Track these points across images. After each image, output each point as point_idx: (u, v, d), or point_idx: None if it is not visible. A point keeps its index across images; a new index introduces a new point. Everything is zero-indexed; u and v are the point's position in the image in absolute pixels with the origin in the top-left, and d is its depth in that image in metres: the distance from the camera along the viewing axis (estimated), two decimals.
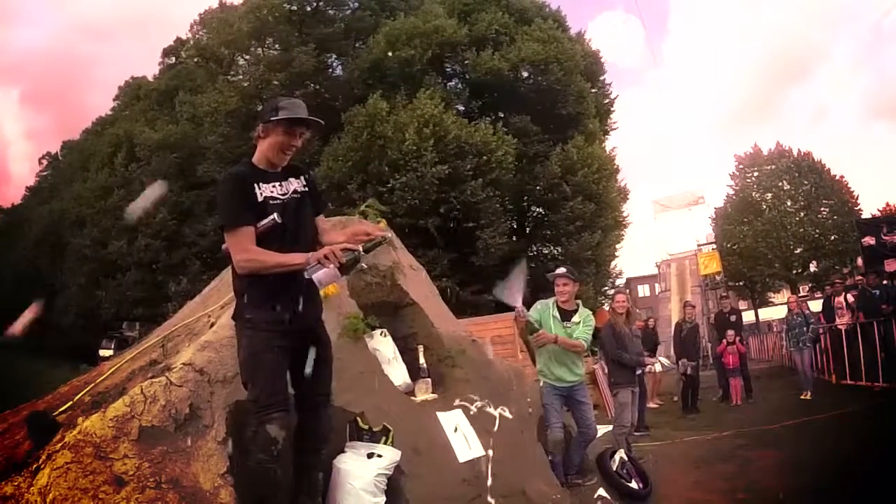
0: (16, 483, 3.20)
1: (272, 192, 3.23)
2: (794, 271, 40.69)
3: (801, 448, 7.29)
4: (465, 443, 4.73)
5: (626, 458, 5.94)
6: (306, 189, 3.36)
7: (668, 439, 8.96)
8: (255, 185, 3.20)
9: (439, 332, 5.37)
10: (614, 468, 5.76)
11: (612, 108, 32.18)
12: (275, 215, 3.14)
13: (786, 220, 40.20)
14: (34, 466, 3.22)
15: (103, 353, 16.86)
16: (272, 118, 3.22)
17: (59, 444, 3.23)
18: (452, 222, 23.83)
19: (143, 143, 27.99)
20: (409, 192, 22.00)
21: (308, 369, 3.31)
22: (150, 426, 3.41)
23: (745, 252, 39.80)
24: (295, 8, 28.84)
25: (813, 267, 40.35)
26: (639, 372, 7.85)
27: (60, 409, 3.99)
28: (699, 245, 37.44)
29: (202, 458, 3.46)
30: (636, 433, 8.28)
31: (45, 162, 37.91)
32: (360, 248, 3.03)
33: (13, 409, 4.45)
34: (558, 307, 5.67)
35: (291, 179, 3.32)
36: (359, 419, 3.91)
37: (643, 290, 51.45)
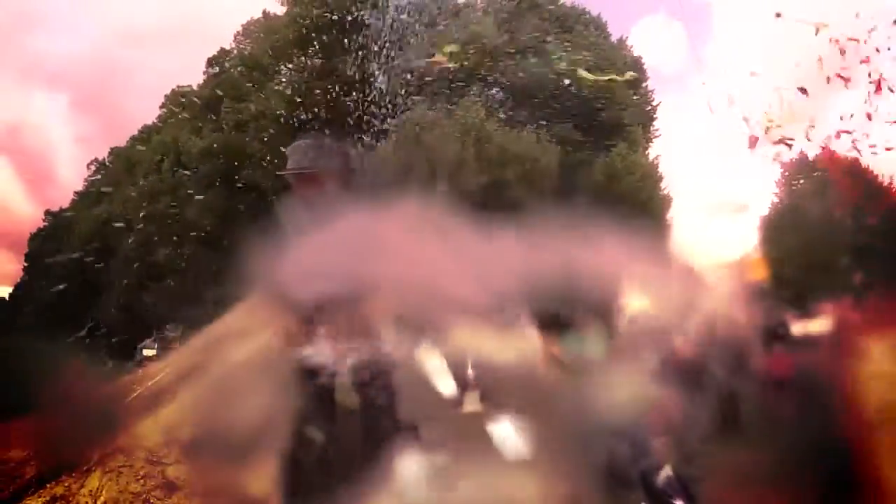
0: (66, 484, 3.25)
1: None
2: (843, 281, 39.58)
3: None
4: (512, 452, 4.70)
5: (671, 474, 5.80)
6: None
7: (712, 456, 8.77)
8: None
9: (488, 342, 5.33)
10: (658, 485, 5.63)
11: (654, 115, 31.83)
12: None
13: (833, 228, 39.17)
14: (85, 468, 3.26)
15: (147, 352, 17.15)
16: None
17: (111, 448, 3.27)
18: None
19: (189, 151, 28.49)
20: (452, 201, 21.80)
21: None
22: (201, 434, 3.43)
23: (791, 261, 38.87)
24: (336, 17, 29.12)
25: (861, 277, 39.19)
26: None
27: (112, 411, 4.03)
28: (744, 254, 36.66)
29: (253, 466, 3.47)
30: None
31: (93, 167, 38.61)
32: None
33: (59, 405, 4.50)
34: None
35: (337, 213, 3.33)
36: (415, 428, 3.89)
37: None
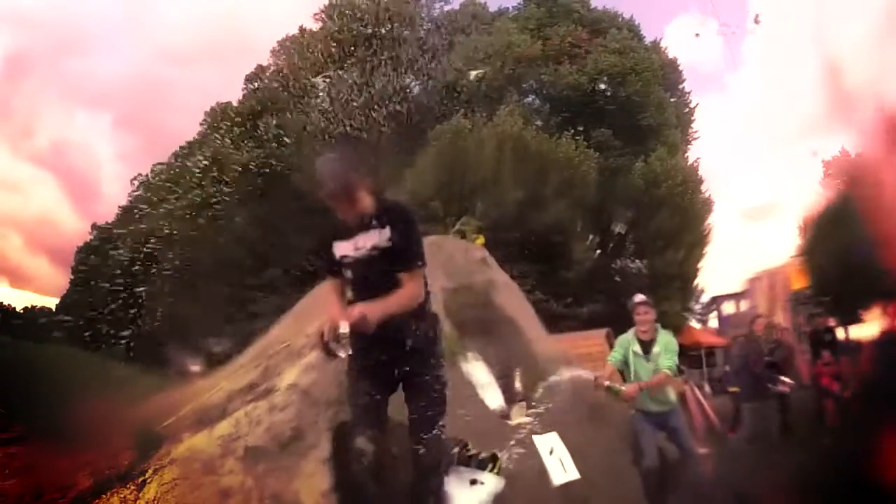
0: (122, 495, 3.31)
1: (347, 249, 3.38)
2: (888, 286, 38.31)
3: None
4: (560, 465, 4.68)
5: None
6: (390, 244, 3.32)
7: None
8: (334, 245, 3.44)
9: (535, 352, 5.33)
10: None
11: (692, 118, 31.37)
12: (347, 272, 3.42)
13: (878, 229, 38.03)
14: (140, 480, 3.32)
15: (192, 366, 17.31)
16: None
17: (167, 460, 3.33)
18: (536, 236, 23.53)
19: (231, 166, 28.93)
20: (493, 209, 21.76)
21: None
22: (255, 446, 3.49)
23: (835, 265, 37.82)
24: (371, 31, 29.42)
25: None
26: None
27: (165, 424, 4.11)
28: (788, 258, 35.88)
29: (305, 476, 3.53)
30: None
31: (136, 183, 39.25)
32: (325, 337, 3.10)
33: (108, 415, 4.57)
34: (639, 340, 5.57)
35: (374, 233, 3.32)
36: (468, 444, 3.88)
37: (729, 308, 49.45)
